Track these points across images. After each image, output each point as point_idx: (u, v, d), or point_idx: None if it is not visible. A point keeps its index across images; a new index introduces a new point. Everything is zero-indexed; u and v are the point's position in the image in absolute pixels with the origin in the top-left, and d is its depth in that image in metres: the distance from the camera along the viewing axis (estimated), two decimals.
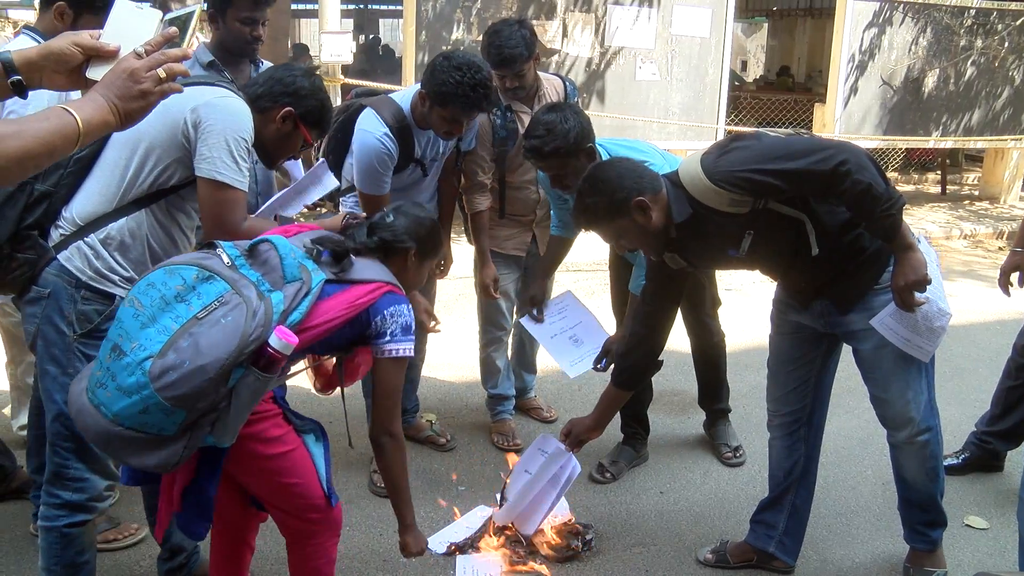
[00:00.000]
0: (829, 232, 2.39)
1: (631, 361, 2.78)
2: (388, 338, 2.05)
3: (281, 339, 1.82)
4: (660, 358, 2.81)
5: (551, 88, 3.49)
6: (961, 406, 4.00)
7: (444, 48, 7.26)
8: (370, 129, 2.96)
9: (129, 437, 1.77)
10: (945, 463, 3.49)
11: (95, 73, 1.49)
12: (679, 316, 3.34)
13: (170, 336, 1.76)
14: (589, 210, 2.47)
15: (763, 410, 2.91)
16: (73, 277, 2.16)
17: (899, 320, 2.42)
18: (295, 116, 2.31)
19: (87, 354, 2.13)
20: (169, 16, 1.55)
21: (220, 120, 2.16)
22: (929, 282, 2.34)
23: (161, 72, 1.42)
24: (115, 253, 2.18)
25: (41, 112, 1.35)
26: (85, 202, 2.19)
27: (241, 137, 2.18)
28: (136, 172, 2.17)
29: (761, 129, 2.50)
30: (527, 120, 3.34)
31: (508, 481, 3.03)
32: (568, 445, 2.88)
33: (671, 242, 2.46)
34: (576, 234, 3.42)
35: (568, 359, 3.35)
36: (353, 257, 2.07)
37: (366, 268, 2.08)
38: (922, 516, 2.79)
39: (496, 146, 3.38)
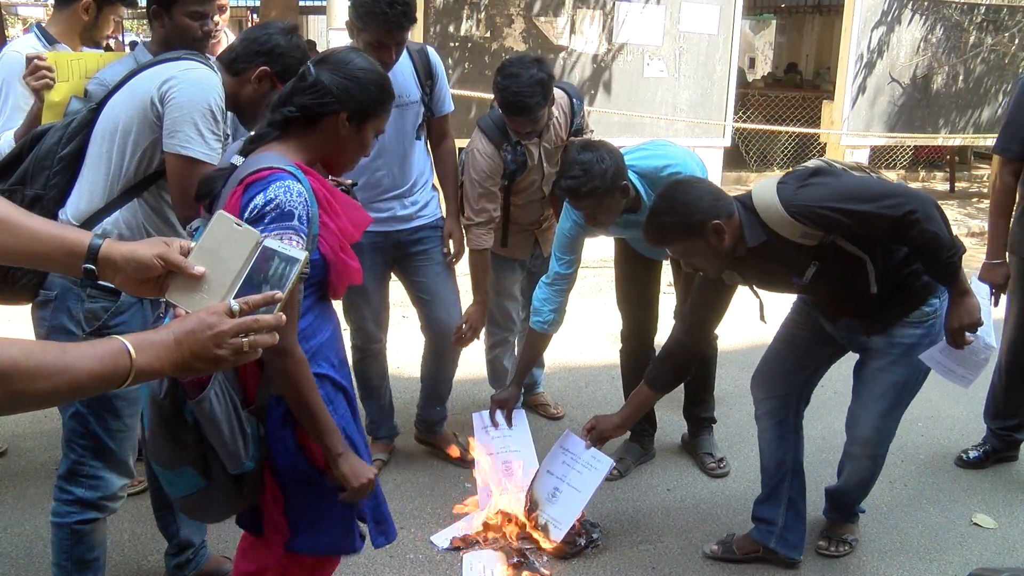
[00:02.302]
0: (886, 273, 2.51)
1: (670, 365, 2.81)
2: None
3: None
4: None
5: (558, 109, 3.33)
6: (969, 404, 3.99)
7: (452, 45, 7.27)
8: None
9: (191, 503, 1.87)
10: (968, 456, 3.59)
11: (177, 297, 1.35)
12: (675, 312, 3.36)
13: None
14: (663, 228, 2.49)
15: None
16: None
17: (947, 355, 2.57)
18: (271, 75, 2.20)
19: None
20: (270, 243, 1.36)
21: (184, 92, 2.09)
22: (981, 324, 2.48)
23: (246, 344, 1.24)
24: None
25: (98, 345, 1.15)
26: (78, 200, 2.17)
27: (207, 108, 2.10)
28: (119, 162, 2.14)
29: (832, 161, 2.57)
30: (535, 151, 3.27)
31: (534, 486, 2.99)
32: (591, 441, 2.90)
33: (735, 261, 2.52)
34: (557, 329, 3.25)
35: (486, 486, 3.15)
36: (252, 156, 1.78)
37: (239, 172, 1.78)
38: (842, 506, 3.00)
39: (505, 178, 3.31)
